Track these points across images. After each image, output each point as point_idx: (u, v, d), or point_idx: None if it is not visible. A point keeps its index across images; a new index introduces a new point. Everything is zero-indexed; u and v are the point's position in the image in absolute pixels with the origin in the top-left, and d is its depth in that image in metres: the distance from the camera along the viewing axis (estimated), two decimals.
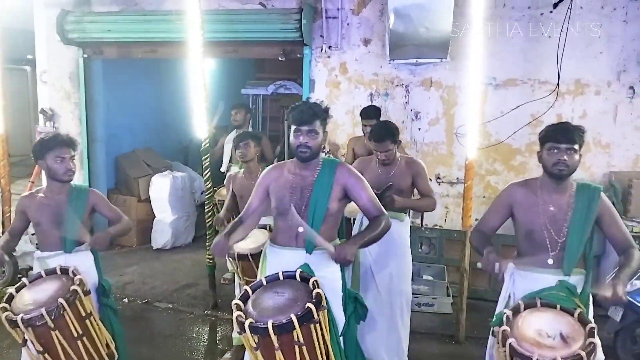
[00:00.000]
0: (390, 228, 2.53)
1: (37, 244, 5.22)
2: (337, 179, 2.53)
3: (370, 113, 4.47)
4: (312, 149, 2.48)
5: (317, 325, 2.19)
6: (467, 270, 4.12)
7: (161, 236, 6.35)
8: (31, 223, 2.93)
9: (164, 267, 5.78)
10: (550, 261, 2.47)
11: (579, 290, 2.44)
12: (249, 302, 2.30)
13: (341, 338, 2.48)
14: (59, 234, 2.83)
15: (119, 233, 3.01)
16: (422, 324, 4.38)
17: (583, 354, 1.98)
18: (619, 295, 2.19)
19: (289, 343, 2.12)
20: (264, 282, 2.40)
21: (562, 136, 2.41)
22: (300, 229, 2.49)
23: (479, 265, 2.45)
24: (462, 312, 4.12)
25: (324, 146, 4.45)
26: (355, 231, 3.58)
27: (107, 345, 2.77)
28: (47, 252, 2.88)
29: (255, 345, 2.16)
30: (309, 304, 2.14)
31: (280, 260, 2.57)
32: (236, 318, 2.18)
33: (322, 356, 2.23)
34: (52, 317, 2.44)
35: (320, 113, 2.51)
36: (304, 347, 2.14)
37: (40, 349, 2.49)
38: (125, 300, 4.91)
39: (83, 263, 2.85)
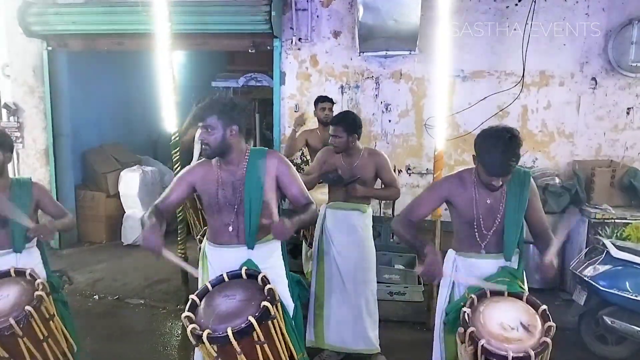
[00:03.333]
0: (317, 216, 2.52)
1: None
2: (268, 170, 2.45)
3: (323, 97, 4.65)
4: (210, 146, 2.39)
5: (274, 320, 2.16)
6: None
7: (131, 232, 6.26)
8: None
9: (135, 263, 5.71)
10: (482, 250, 2.53)
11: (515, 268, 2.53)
12: (200, 311, 2.20)
13: (293, 322, 2.48)
14: (6, 232, 2.71)
15: (64, 228, 2.88)
16: (394, 312, 4.46)
17: (549, 340, 2.07)
18: (551, 268, 2.27)
19: (250, 344, 2.08)
20: (210, 287, 2.30)
21: (497, 173, 2.33)
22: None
23: (416, 271, 2.45)
24: (432, 300, 4.18)
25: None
26: (319, 223, 3.60)
27: (66, 338, 2.72)
28: None
29: (215, 355, 2.08)
30: (264, 302, 2.09)
31: (221, 259, 2.50)
32: (191, 332, 2.07)
33: (281, 347, 2.22)
34: (21, 326, 2.38)
35: (217, 107, 2.38)
36: (265, 345, 2.11)
37: (6, 355, 2.42)
38: (96, 297, 4.84)
39: (32, 261, 2.77)
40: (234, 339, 2.02)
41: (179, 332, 4.27)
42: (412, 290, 4.72)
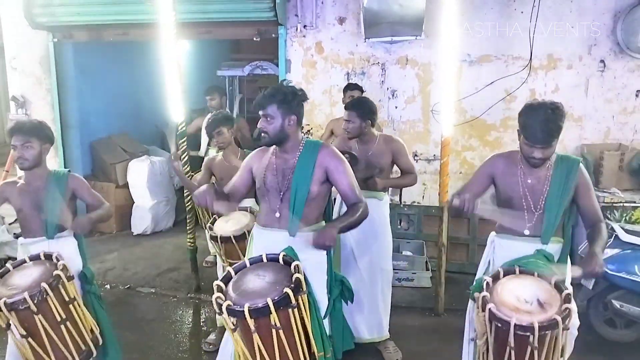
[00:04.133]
0: (367, 215, 2.51)
1: (15, 232, 5.20)
2: (318, 162, 2.49)
3: (352, 85, 4.72)
4: (269, 134, 2.46)
5: (295, 309, 2.18)
6: (445, 245, 4.20)
7: (141, 222, 6.31)
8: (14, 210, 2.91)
9: (145, 253, 5.77)
10: (526, 232, 2.55)
11: (556, 259, 2.53)
12: (231, 283, 2.29)
13: (326, 320, 2.50)
14: (41, 220, 2.82)
15: (100, 218, 2.97)
16: (402, 298, 4.48)
17: (559, 318, 2.06)
18: (598, 269, 2.26)
19: (266, 326, 2.12)
20: (248, 264, 2.39)
21: (540, 138, 2.37)
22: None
23: (454, 204, 2.41)
24: (440, 286, 4.22)
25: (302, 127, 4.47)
26: (335, 211, 3.61)
27: (92, 331, 2.78)
28: (30, 239, 2.87)
29: (233, 327, 2.17)
30: (287, 289, 2.12)
31: (265, 241, 2.56)
32: (215, 299, 2.17)
33: (300, 339, 2.23)
34: (35, 302, 2.44)
35: (278, 95, 2.43)
36: (281, 331, 2.14)
37: (24, 333, 2.49)
38: (108, 286, 4.90)
39: (66, 249, 2.85)
40: (250, 316, 2.07)
41: (190, 319, 4.33)
42: (420, 276, 4.74)
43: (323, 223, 2.64)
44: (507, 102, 5.01)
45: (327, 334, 2.50)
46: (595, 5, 4.84)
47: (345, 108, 3.51)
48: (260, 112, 2.45)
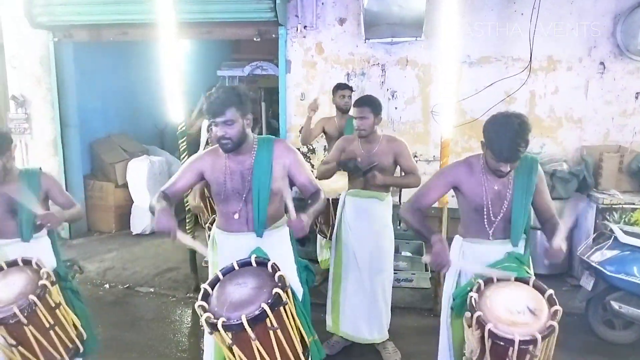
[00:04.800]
0: (326, 203, 2.50)
1: None
2: (275, 157, 2.46)
3: (343, 84, 4.66)
4: (232, 139, 2.37)
5: (286, 306, 2.19)
6: None
7: (140, 221, 6.31)
8: None
9: (144, 252, 5.76)
10: (491, 237, 2.54)
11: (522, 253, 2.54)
12: (213, 299, 2.22)
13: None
14: (15, 221, 2.76)
15: (71, 218, 2.90)
16: (401, 298, 4.49)
17: (555, 324, 2.08)
18: (560, 252, 2.30)
19: (263, 331, 2.12)
20: (221, 277, 2.32)
21: (505, 158, 2.33)
22: None
23: (424, 260, 2.44)
24: (440, 286, 4.20)
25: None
26: (339, 210, 3.61)
27: (75, 327, 2.75)
28: (4, 240, 2.80)
29: (230, 342, 2.12)
30: (276, 289, 2.12)
31: (231, 245, 2.54)
32: (205, 320, 2.10)
33: (293, 331, 2.26)
34: (25, 314, 2.41)
35: (234, 97, 2.34)
36: (278, 331, 2.15)
37: (14, 342, 2.46)
38: (107, 286, 4.90)
39: (42, 249, 2.81)
40: (248, 325, 2.05)
41: (189, 319, 4.32)
42: (419, 277, 4.74)
43: (286, 217, 2.57)
44: (507, 103, 5.01)
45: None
46: (595, 7, 4.85)
47: (355, 105, 3.45)
48: (219, 119, 2.34)
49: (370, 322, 3.55)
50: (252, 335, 2.08)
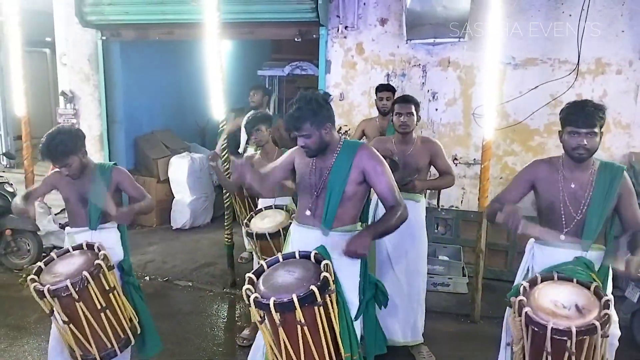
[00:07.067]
0: (406, 219, 2.48)
1: (60, 222, 5.40)
2: (355, 163, 2.48)
3: (384, 85, 4.68)
4: (311, 148, 2.48)
5: (321, 307, 2.20)
6: (483, 251, 4.13)
7: (180, 216, 6.45)
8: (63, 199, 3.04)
9: (184, 247, 5.89)
10: (562, 237, 2.49)
11: (597, 267, 2.47)
12: (262, 277, 2.35)
13: (358, 322, 2.49)
14: (85, 211, 2.94)
15: (142, 210, 3.06)
16: (438, 303, 4.43)
17: (597, 324, 2.01)
18: (631, 270, 2.22)
19: (291, 322, 2.16)
20: (280, 259, 2.45)
21: (582, 121, 2.39)
22: None
23: (498, 218, 2.39)
24: (477, 292, 4.15)
25: (340, 127, 4.48)
26: (371, 212, 3.60)
27: (130, 320, 2.88)
28: (76, 228, 3.00)
29: (260, 319, 2.23)
30: (313, 287, 2.15)
31: (301, 237, 2.61)
32: (245, 291, 2.24)
33: (326, 338, 2.24)
34: (77, 289, 2.54)
35: (306, 113, 2.41)
36: (305, 328, 2.17)
37: (66, 319, 2.59)
38: (147, 278, 5.04)
39: (108, 239, 2.95)
40: (275, 310, 2.11)
41: (225, 314, 4.39)
42: (456, 282, 4.67)
43: (359, 225, 2.63)
44: (552, 107, 4.87)
45: (358, 336, 2.50)
46: None
47: (400, 101, 3.48)
48: (296, 133, 2.46)
49: (404, 324, 3.53)
50: (277, 320, 2.13)
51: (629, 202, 2.49)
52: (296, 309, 2.12)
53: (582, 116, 2.39)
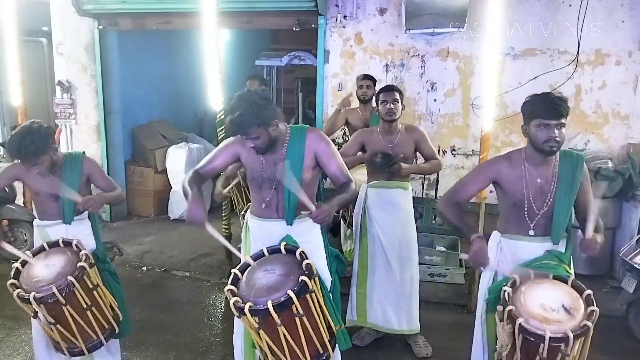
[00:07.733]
0: (357, 195, 2.50)
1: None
2: (307, 146, 2.47)
3: (366, 75, 4.60)
4: (261, 147, 2.42)
5: (312, 293, 2.22)
6: None
7: (178, 207, 6.44)
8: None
9: (181, 237, 5.89)
10: (531, 232, 2.47)
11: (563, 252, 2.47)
12: (242, 284, 2.28)
13: (331, 295, 2.53)
14: (57, 204, 2.85)
15: (112, 201, 3.00)
16: (435, 293, 4.44)
17: (590, 324, 2.02)
18: (594, 240, 2.28)
19: (289, 317, 2.16)
20: (251, 262, 2.38)
21: (551, 113, 2.31)
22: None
23: (462, 257, 2.42)
24: (474, 283, 4.14)
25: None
26: (359, 203, 3.60)
27: (112, 307, 2.83)
28: (47, 221, 2.90)
29: (257, 326, 2.18)
30: (303, 277, 2.15)
31: (263, 231, 2.58)
32: (234, 304, 2.15)
33: (319, 319, 2.28)
34: (63, 295, 2.49)
35: (249, 120, 2.32)
36: (303, 317, 2.18)
37: (52, 321, 2.56)
38: (144, 268, 5.04)
39: (82, 232, 2.89)
40: (274, 311, 2.09)
41: (222, 304, 4.40)
42: (454, 273, 4.68)
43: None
44: None
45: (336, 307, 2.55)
46: None
47: (385, 90, 3.48)
48: (245, 138, 2.39)
49: (399, 313, 3.56)
50: (277, 320, 2.12)
51: (587, 189, 2.48)
52: (294, 303, 2.12)
53: (551, 107, 2.31)
